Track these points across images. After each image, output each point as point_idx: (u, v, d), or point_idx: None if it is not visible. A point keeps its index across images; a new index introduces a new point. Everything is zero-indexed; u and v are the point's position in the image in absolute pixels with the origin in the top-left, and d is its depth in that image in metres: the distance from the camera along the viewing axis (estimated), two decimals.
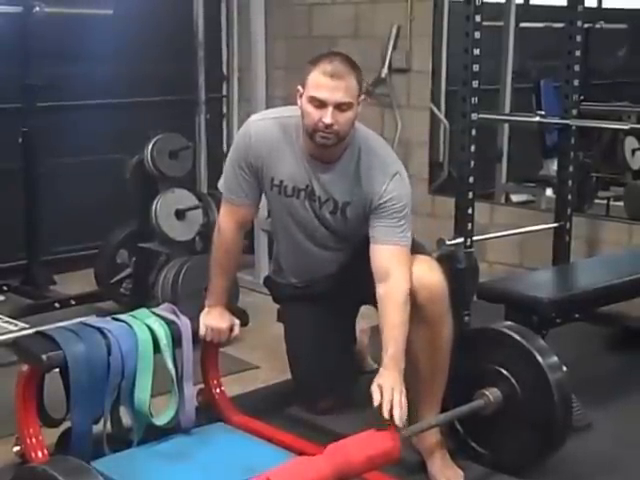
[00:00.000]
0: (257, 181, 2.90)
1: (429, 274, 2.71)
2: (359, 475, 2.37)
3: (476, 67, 3.34)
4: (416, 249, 2.80)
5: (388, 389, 2.44)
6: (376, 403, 2.42)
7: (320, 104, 2.65)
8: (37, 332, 2.74)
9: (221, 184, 2.97)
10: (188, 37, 4.81)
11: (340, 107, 2.65)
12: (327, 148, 2.74)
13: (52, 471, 2.07)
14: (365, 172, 2.78)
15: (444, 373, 2.74)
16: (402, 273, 2.66)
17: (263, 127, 2.88)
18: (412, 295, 2.66)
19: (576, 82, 3.97)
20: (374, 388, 2.45)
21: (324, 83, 2.64)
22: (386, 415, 2.40)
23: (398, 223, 2.73)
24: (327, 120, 2.64)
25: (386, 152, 2.87)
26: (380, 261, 2.69)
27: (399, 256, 2.69)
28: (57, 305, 4.24)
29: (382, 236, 2.72)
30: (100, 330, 2.64)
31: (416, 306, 2.66)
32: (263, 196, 2.99)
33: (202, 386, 3.00)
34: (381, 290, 2.66)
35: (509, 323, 2.83)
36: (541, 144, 5.38)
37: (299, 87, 2.72)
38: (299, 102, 2.73)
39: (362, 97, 2.74)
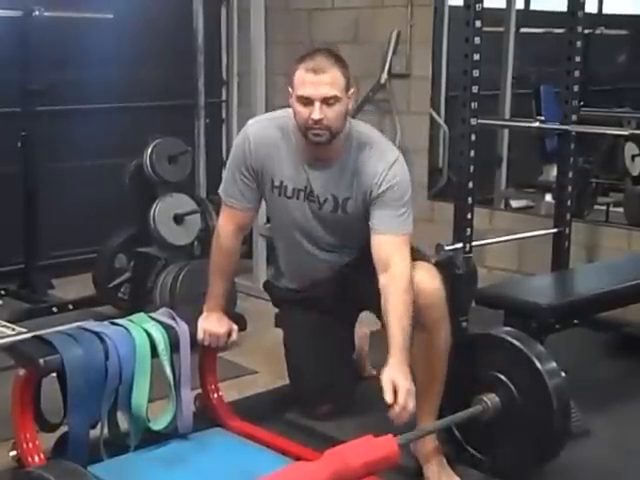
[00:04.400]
0: (257, 185, 2.91)
1: (428, 280, 2.70)
2: None
3: (476, 72, 3.33)
4: (416, 255, 2.79)
5: (403, 391, 2.40)
6: (390, 401, 2.39)
7: (307, 101, 2.66)
8: (35, 336, 2.73)
9: (221, 189, 2.97)
10: (188, 42, 4.80)
11: (327, 101, 2.65)
12: (322, 146, 2.74)
13: (49, 475, 2.08)
14: (363, 164, 2.78)
15: (442, 379, 2.74)
16: (402, 261, 2.67)
17: (261, 129, 2.89)
18: None
19: (576, 88, 3.96)
20: (387, 384, 2.41)
21: (308, 80, 2.65)
22: (396, 422, 2.40)
23: (398, 212, 2.73)
24: (315, 116, 2.65)
25: (382, 141, 2.88)
26: (381, 251, 2.69)
27: (400, 245, 2.70)
28: (55, 309, 4.25)
29: (382, 226, 2.73)
30: (98, 335, 2.64)
31: (414, 311, 2.64)
32: (262, 201, 3.00)
33: (200, 391, 2.99)
34: (383, 280, 2.65)
35: (508, 329, 2.83)
36: (541, 150, 5.38)
37: (289, 88, 2.74)
38: (290, 103, 2.74)
39: (352, 90, 2.74)
